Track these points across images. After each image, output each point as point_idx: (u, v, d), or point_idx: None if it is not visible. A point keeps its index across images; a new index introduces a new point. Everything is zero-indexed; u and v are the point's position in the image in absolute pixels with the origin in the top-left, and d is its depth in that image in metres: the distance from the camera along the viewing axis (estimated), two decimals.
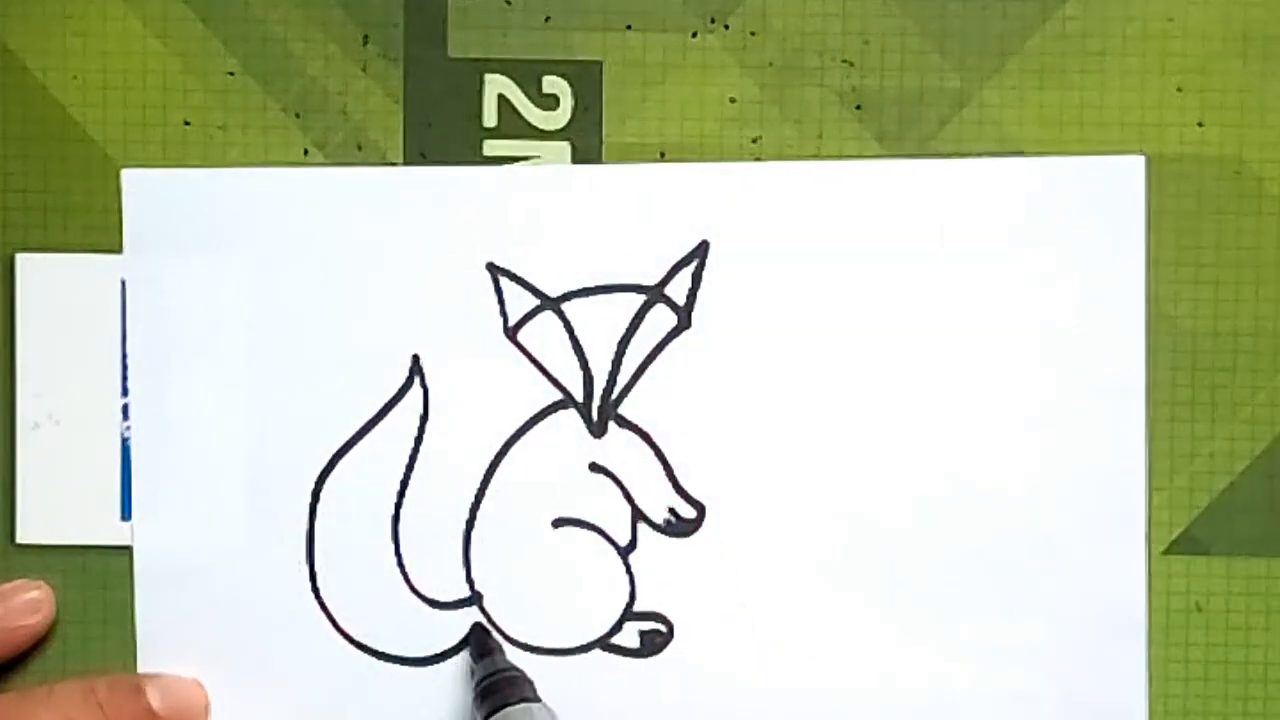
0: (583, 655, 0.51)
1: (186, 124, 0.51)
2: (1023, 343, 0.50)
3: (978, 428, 0.50)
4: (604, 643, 0.51)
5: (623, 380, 0.51)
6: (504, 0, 0.51)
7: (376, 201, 0.51)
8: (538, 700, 0.48)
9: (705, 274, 0.51)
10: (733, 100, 0.51)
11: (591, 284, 0.51)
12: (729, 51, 0.51)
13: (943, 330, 0.50)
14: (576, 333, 0.51)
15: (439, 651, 0.51)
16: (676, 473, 0.51)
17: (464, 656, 0.51)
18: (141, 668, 0.51)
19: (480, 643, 0.50)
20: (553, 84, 0.51)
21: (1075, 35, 0.51)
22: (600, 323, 0.51)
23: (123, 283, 0.51)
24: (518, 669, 0.49)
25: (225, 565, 0.51)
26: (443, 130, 0.51)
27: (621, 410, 0.51)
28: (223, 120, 0.51)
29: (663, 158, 0.51)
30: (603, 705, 0.51)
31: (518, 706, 0.47)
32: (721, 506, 0.50)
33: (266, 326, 0.51)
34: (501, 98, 0.51)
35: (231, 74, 0.51)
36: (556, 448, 0.51)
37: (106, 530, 0.51)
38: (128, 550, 0.51)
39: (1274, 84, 0.51)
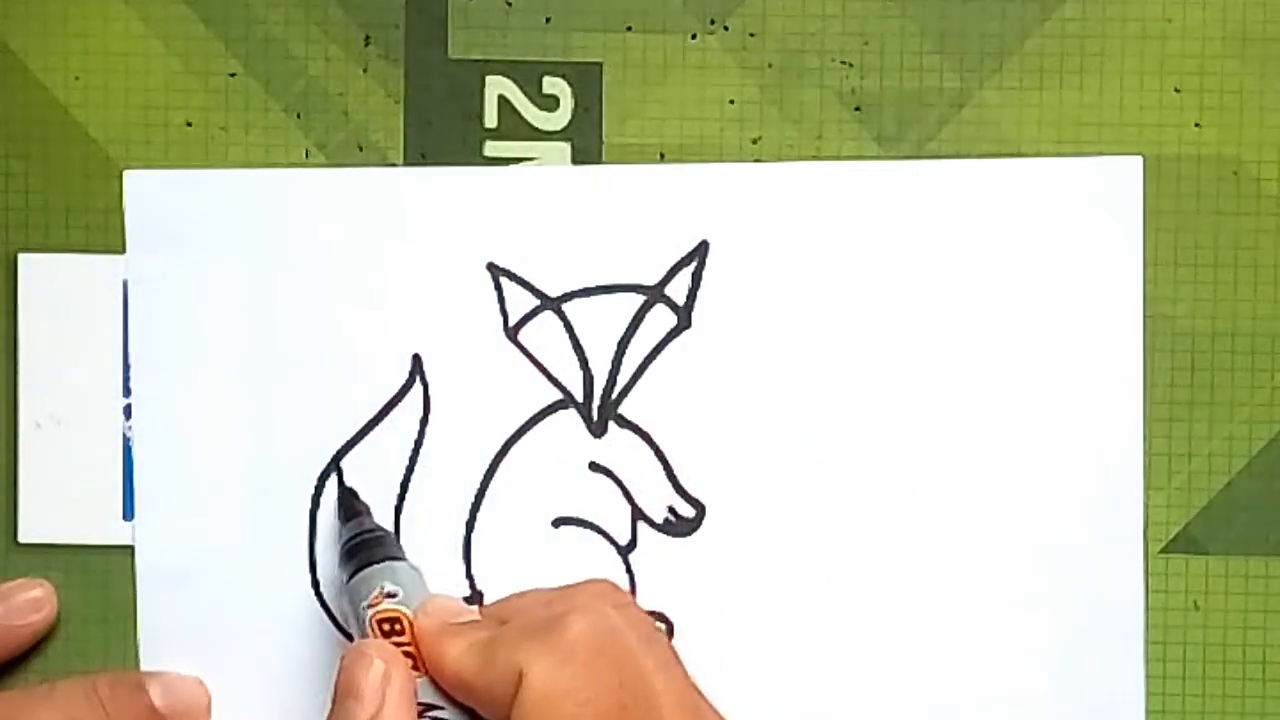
0: None
1: (188, 125, 0.51)
2: (1021, 343, 0.51)
3: (976, 427, 0.51)
4: None
5: (623, 380, 0.51)
6: (504, 2, 0.51)
7: (377, 202, 0.51)
8: (403, 559, 0.48)
9: (705, 274, 0.51)
10: (732, 101, 0.51)
11: (592, 284, 0.51)
12: (728, 52, 0.51)
13: (941, 330, 0.51)
14: (577, 333, 0.51)
15: None
16: (676, 473, 0.51)
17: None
18: (143, 666, 0.51)
19: (348, 505, 0.50)
20: (553, 85, 0.51)
21: (1074, 36, 0.51)
22: (600, 323, 0.51)
23: (124, 283, 0.51)
24: (384, 529, 0.49)
25: (227, 564, 0.51)
26: (443, 131, 0.51)
27: (621, 410, 0.51)
28: (224, 121, 0.51)
29: (662, 158, 0.51)
30: None
31: (381, 565, 0.47)
32: (721, 506, 0.51)
33: (268, 327, 0.51)
34: (502, 98, 0.51)
35: (233, 75, 0.51)
36: (557, 447, 0.51)
37: (108, 530, 0.51)
38: (129, 550, 0.51)
39: (1272, 85, 0.51)
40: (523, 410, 0.51)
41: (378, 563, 0.47)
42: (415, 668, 0.45)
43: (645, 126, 0.51)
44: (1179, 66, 0.51)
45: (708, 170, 0.51)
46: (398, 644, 0.45)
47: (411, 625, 0.45)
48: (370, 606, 0.46)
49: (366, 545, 0.48)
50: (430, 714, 0.44)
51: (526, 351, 0.51)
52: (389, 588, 0.46)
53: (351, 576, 0.47)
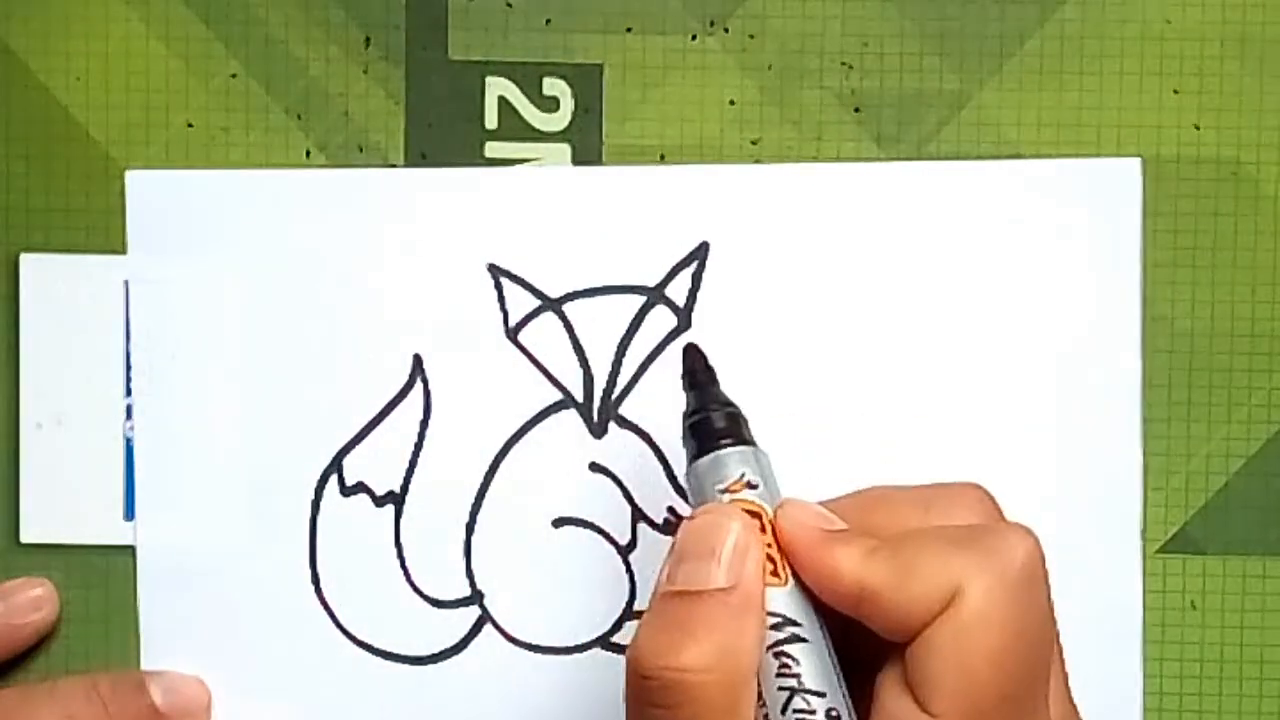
0: (583, 654, 0.51)
1: (189, 125, 0.51)
2: (1020, 344, 0.51)
3: (975, 428, 0.51)
4: (604, 642, 0.51)
5: (623, 381, 0.51)
6: (505, 2, 0.51)
7: (378, 203, 0.51)
8: (753, 444, 0.42)
9: (705, 275, 0.51)
10: (732, 102, 0.51)
11: (592, 285, 0.51)
12: (728, 54, 0.51)
13: (940, 331, 0.51)
14: (577, 333, 0.51)
15: (440, 650, 0.51)
16: (676, 473, 0.51)
17: (466, 656, 0.51)
18: (144, 666, 0.51)
19: (695, 371, 0.44)
20: (553, 86, 0.51)
21: (1073, 37, 0.51)
22: (601, 323, 0.51)
23: (126, 284, 0.51)
24: (734, 404, 0.43)
25: (228, 564, 0.51)
26: (444, 132, 0.51)
27: (622, 410, 0.51)
28: (225, 122, 0.51)
29: (663, 160, 0.51)
30: (603, 704, 0.51)
31: (744, 449, 0.41)
32: None
33: (269, 327, 0.51)
34: (502, 99, 0.51)
35: (234, 76, 0.51)
36: (557, 447, 0.51)
37: (110, 530, 0.51)
38: (131, 549, 0.51)
39: (1271, 86, 0.51)
40: (523, 410, 0.51)
41: (738, 444, 0.41)
42: (774, 574, 0.39)
43: (645, 127, 0.51)
44: (1178, 68, 0.51)
45: (708, 171, 0.51)
46: None
47: (772, 524, 0.40)
48: (728, 492, 0.41)
49: (721, 420, 0.42)
50: (785, 630, 0.39)
51: (527, 352, 0.51)
52: (750, 477, 0.41)
53: (702, 453, 0.42)
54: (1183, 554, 0.51)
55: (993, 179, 0.51)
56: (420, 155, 0.51)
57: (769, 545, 0.40)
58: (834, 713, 0.38)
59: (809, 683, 0.38)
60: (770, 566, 0.39)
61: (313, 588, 0.51)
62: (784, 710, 0.38)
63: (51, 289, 0.51)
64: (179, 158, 0.51)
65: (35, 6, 0.51)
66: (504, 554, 0.51)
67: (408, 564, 0.51)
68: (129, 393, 0.51)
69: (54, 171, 0.51)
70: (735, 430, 0.42)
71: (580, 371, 0.51)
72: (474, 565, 0.51)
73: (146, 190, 0.51)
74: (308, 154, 0.51)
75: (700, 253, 0.51)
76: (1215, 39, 0.51)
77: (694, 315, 0.51)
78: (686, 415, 0.43)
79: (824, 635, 0.39)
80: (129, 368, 0.51)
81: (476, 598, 0.51)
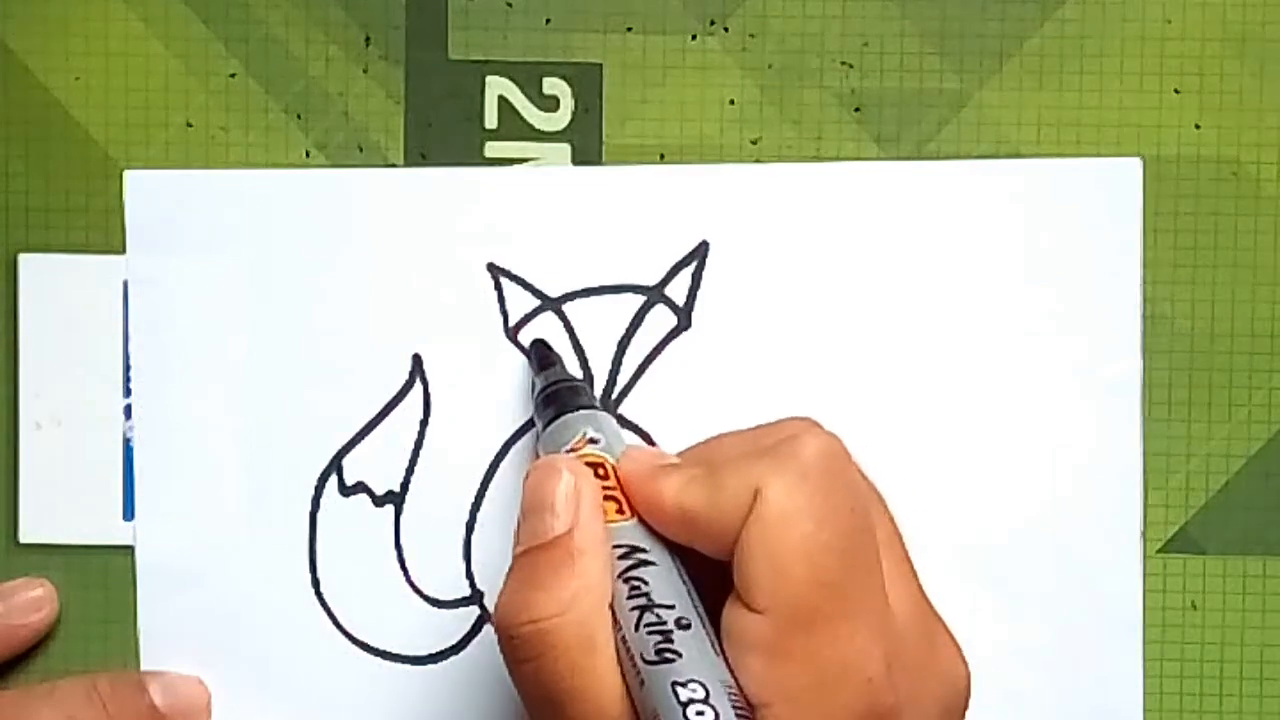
0: None
1: (188, 125, 0.51)
2: (1020, 343, 0.51)
3: (975, 427, 0.51)
4: None
5: (623, 380, 0.51)
6: (505, 2, 0.51)
7: (378, 203, 0.51)
8: (602, 409, 0.46)
9: (705, 274, 0.51)
10: (732, 102, 0.51)
11: (592, 284, 0.51)
12: (729, 53, 0.51)
13: (940, 330, 0.51)
14: (577, 333, 0.51)
15: (440, 650, 0.51)
16: None
17: (466, 656, 0.51)
18: (144, 666, 0.51)
19: (542, 355, 0.50)
20: (553, 85, 0.51)
21: (1073, 37, 0.51)
22: (600, 323, 0.51)
23: (125, 283, 0.51)
24: (579, 379, 0.49)
25: (227, 564, 0.51)
26: (443, 131, 0.51)
27: (621, 410, 0.51)
28: (224, 121, 0.51)
29: (662, 159, 0.51)
30: None
31: (583, 412, 0.46)
32: None
33: (268, 327, 0.51)
34: (502, 99, 0.51)
35: (233, 75, 0.51)
36: None
37: (109, 530, 0.51)
38: (130, 550, 0.51)
39: (1271, 86, 0.51)
40: (523, 410, 0.51)
41: (579, 409, 0.46)
42: (620, 512, 0.42)
43: (645, 127, 0.51)
44: (1178, 67, 0.51)
45: (708, 170, 0.51)
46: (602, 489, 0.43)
47: (615, 471, 0.43)
48: (573, 450, 0.44)
49: (565, 392, 0.47)
50: (633, 557, 0.41)
51: (527, 352, 0.51)
52: (592, 434, 0.45)
53: (550, 422, 0.46)
54: (1183, 554, 0.51)
55: (993, 179, 0.51)
56: (420, 155, 0.51)
57: (613, 488, 0.43)
58: (683, 620, 0.40)
59: (658, 598, 0.40)
60: (616, 505, 0.42)
61: (312, 588, 0.51)
62: (637, 627, 0.40)
63: (50, 289, 0.51)
64: (178, 157, 0.51)
65: (35, 6, 0.51)
66: (504, 553, 0.50)
67: (407, 564, 0.51)
68: (128, 393, 0.51)
69: (53, 171, 0.51)
70: (576, 399, 0.46)
71: (580, 371, 0.51)
72: (474, 565, 0.51)
73: (145, 190, 0.51)
74: (307, 154, 0.51)
75: (700, 252, 0.51)
76: (1215, 39, 0.51)
77: (694, 315, 0.51)
78: (536, 395, 0.48)
79: (673, 559, 0.41)
80: (128, 368, 0.51)
81: (476, 598, 0.51)
